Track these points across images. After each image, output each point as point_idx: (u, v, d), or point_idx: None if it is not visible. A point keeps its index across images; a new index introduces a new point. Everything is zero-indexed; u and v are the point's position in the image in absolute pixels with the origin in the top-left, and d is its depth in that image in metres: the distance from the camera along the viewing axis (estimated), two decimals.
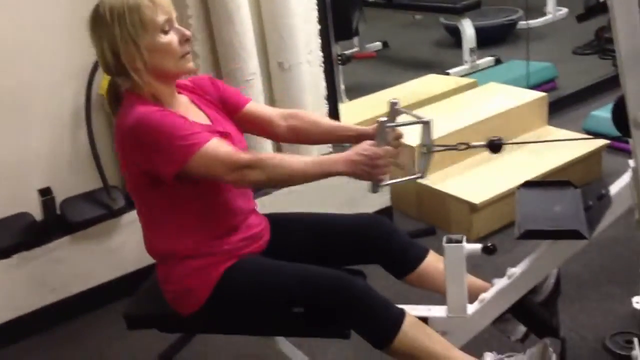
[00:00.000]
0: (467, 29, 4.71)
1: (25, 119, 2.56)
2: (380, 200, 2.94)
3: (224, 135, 1.70)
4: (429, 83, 3.88)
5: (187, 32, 1.64)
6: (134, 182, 1.67)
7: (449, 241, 1.73)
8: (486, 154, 3.04)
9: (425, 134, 1.69)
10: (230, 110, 1.83)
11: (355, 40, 5.27)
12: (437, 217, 2.92)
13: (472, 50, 4.69)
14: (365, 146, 1.59)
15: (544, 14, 5.62)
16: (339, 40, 4.27)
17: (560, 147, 3.07)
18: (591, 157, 3.06)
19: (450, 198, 2.84)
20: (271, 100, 2.68)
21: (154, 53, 1.59)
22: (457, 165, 3.01)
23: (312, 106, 2.70)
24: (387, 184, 1.66)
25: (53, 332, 2.59)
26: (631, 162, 1.59)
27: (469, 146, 1.77)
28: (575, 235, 1.57)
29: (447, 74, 4.48)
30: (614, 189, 1.64)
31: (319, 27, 2.72)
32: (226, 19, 2.44)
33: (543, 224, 1.62)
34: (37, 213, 2.58)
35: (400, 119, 1.76)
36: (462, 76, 4.32)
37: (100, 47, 1.60)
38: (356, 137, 1.78)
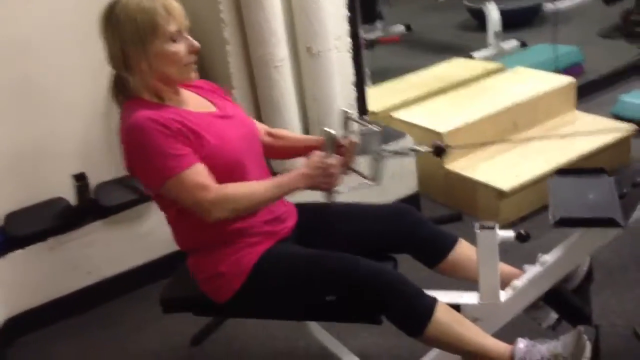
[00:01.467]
0: (492, 11, 4.68)
1: (60, 107, 2.61)
2: (407, 187, 2.95)
3: (228, 117, 1.74)
4: (455, 67, 3.86)
5: (196, 44, 1.68)
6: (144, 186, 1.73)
7: (482, 227, 1.74)
8: (514, 138, 3.06)
9: (375, 142, 1.78)
10: None
11: (379, 23, 5.26)
12: (465, 203, 2.93)
13: (496, 34, 4.66)
14: (316, 159, 1.67)
15: None
16: (363, 23, 4.28)
17: (592, 130, 3.06)
18: (621, 143, 3.05)
19: (478, 184, 2.84)
20: (300, 86, 2.69)
21: (160, 59, 1.62)
22: (485, 152, 3.01)
23: (340, 92, 2.71)
24: (343, 192, 1.74)
25: (88, 314, 2.65)
26: None
27: (417, 151, 1.86)
28: (610, 223, 1.58)
29: (472, 57, 4.46)
30: None
31: (347, 13, 2.72)
32: (256, 5, 2.45)
33: (578, 212, 1.63)
34: (71, 198, 2.64)
35: (355, 127, 1.84)
36: (486, 59, 4.30)
37: (111, 43, 1.64)
38: (305, 149, 1.86)
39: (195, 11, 2.01)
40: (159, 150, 1.58)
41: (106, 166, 2.69)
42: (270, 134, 1.96)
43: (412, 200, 2.92)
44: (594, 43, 4.71)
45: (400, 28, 5.60)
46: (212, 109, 1.76)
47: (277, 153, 2.00)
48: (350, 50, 2.77)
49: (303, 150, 1.90)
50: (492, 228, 1.73)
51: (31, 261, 2.53)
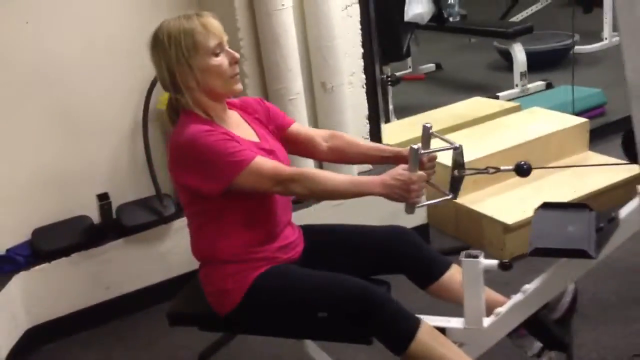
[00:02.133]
0: (518, 53, 4.77)
1: (89, 130, 2.78)
2: (418, 217, 3.04)
3: (270, 152, 1.84)
4: (474, 105, 3.97)
5: (237, 55, 1.80)
6: (181, 192, 1.85)
7: (467, 256, 1.82)
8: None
9: (457, 158, 1.81)
10: (276, 131, 1.97)
11: (409, 61, 5.41)
12: (473, 236, 3.00)
13: (522, 74, 4.75)
14: (400, 171, 1.72)
15: (600, 39, 5.62)
16: (390, 61, 4.42)
17: (601, 172, 3.11)
18: (632, 182, 3.08)
19: (484, 218, 2.93)
20: (314, 119, 2.83)
21: (206, 73, 1.75)
22: (496, 186, 3.09)
23: (353, 125, 2.84)
24: (421, 206, 1.78)
25: (105, 327, 2.78)
26: (639, 188, 1.66)
27: (498, 170, 1.84)
28: (582, 254, 1.65)
29: (497, 97, 4.55)
30: (623, 212, 1.72)
31: (362, 50, 2.86)
32: (273, 42, 2.61)
33: (553, 243, 1.71)
34: (95, 216, 2.79)
35: (434, 142, 1.86)
36: (510, 100, 4.38)
37: (159, 67, 1.79)
38: (393, 158, 1.91)
39: None
40: (223, 147, 1.70)
41: (129, 188, 2.85)
42: (335, 137, 2.02)
43: (421, 230, 2.99)
44: (620, 86, 4.72)
45: (430, 66, 5.74)
46: (255, 138, 1.87)
47: (345, 158, 2.05)
48: (364, 86, 2.91)
49: (378, 160, 2.00)
50: (477, 257, 1.81)
51: (55, 274, 2.68)
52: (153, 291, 2.83)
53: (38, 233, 2.72)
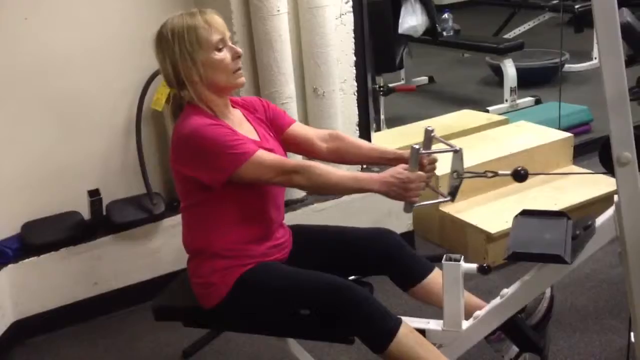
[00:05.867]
0: (509, 68, 4.86)
1: (82, 127, 2.81)
2: (403, 224, 3.09)
3: (270, 151, 1.88)
4: (462, 117, 4.04)
5: (239, 50, 1.86)
6: (181, 184, 1.89)
7: (448, 259, 1.87)
8: (511, 187, 3.20)
9: (456, 162, 1.85)
10: (276, 130, 2.02)
11: (403, 73, 5.48)
12: (457, 244, 3.05)
13: (512, 90, 4.83)
14: (400, 170, 1.78)
15: (590, 58, 5.71)
16: (383, 72, 4.49)
17: (582, 186, 3.18)
18: (611, 197, 3.13)
19: (468, 226, 2.98)
20: (305, 123, 2.85)
21: (209, 68, 1.80)
22: (481, 196, 3.15)
23: (343, 131, 2.87)
24: (419, 205, 1.83)
25: (91, 322, 2.81)
26: (615, 198, 1.72)
27: (496, 174, 1.88)
28: (557, 259, 1.71)
29: (487, 111, 4.62)
30: (600, 220, 1.77)
31: (354, 58, 2.92)
32: (267, 46, 2.66)
33: (530, 248, 1.76)
34: (85, 212, 2.82)
35: (435, 146, 1.91)
36: (500, 114, 4.45)
37: (163, 62, 1.83)
38: (395, 160, 1.95)
39: None
40: (227, 139, 1.75)
41: (120, 185, 2.89)
42: (335, 138, 2.04)
43: (406, 237, 3.02)
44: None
45: (423, 79, 5.82)
46: (256, 137, 1.91)
47: (344, 159, 2.08)
48: (356, 94, 2.96)
49: (380, 161, 2.05)
50: (458, 260, 1.86)
51: (43, 269, 2.70)
52: (141, 288, 2.86)
53: (28, 227, 2.75)
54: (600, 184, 3.13)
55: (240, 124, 1.90)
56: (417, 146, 1.78)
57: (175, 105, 1.90)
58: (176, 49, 1.78)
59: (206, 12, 1.83)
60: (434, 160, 1.89)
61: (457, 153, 1.84)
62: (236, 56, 1.84)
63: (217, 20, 1.83)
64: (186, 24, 1.79)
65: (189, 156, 1.80)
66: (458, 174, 1.85)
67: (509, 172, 1.85)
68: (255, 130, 1.94)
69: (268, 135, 1.97)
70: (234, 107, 1.95)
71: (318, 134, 2.06)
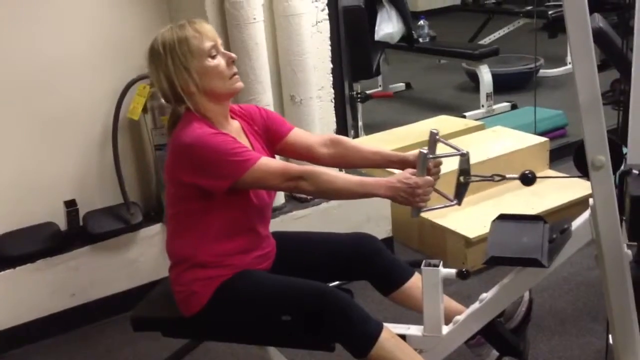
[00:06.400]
0: (485, 74, 4.90)
1: (58, 136, 2.79)
2: (382, 230, 3.10)
3: None
4: (439, 123, 4.04)
5: (233, 55, 1.85)
6: (175, 190, 1.86)
7: (427, 265, 1.88)
8: (488, 192, 3.22)
9: (463, 165, 1.84)
10: (274, 138, 2.00)
11: (380, 79, 5.51)
12: (436, 249, 3.07)
13: (488, 95, 4.88)
14: (408, 175, 1.78)
15: (564, 63, 5.78)
16: (360, 79, 4.50)
17: (558, 191, 3.21)
18: (586, 200, 3.17)
19: (447, 231, 3.00)
20: None
21: (204, 76, 1.79)
22: None
23: None
24: (426, 210, 1.82)
25: (69, 334, 2.78)
26: (591, 201, 1.74)
27: (503, 177, 1.87)
28: (534, 263, 1.72)
29: (464, 116, 4.66)
30: (576, 223, 1.79)
31: (331, 65, 2.93)
32: (244, 54, 2.66)
33: (508, 252, 1.77)
34: (61, 223, 2.79)
35: (440, 147, 1.87)
36: (476, 120, 4.49)
37: (158, 78, 1.82)
38: (399, 163, 1.94)
39: None
40: (229, 147, 1.74)
41: (97, 195, 2.87)
42: (336, 144, 2.02)
43: (386, 244, 3.02)
44: None
45: (400, 85, 5.86)
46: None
47: (347, 163, 2.08)
48: (333, 101, 2.97)
49: (383, 164, 2.03)
50: (437, 266, 1.87)
51: (19, 281, 2.67)
52: (118, 299, 2.84)
53: (3, 238, 2.72)
54: (575, 188, 3.16)
55: (239, 136, 1.89)
56: (425, 151, 1.77)
57: (172, 120, 1.88)
58: (169, 62, 1.77)
59: (195, 21, 1.82)
60: (439, 164, 1.87)
61: (464, 156, 1.82)
62: (230, 61, 1.84)
63: (207, 28, 1.82)
64: (176, 35, 1.78)
65: (191, 164, 1.77)
66: (464, 177, 1.84)
67: (516, 175, 1.85)
68: (252, 145, 1.93)
69: (263, 150, 1.96)
70: (232, 117, 1.93)
71: (318, 140, 2.05)
